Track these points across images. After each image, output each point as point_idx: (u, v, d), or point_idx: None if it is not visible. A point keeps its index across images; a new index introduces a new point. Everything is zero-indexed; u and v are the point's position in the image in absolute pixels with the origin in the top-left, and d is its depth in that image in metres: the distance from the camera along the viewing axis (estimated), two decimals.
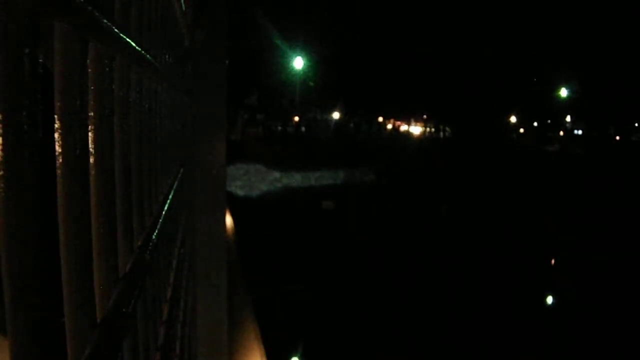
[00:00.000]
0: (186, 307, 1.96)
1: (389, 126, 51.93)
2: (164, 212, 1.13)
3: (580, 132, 53.43)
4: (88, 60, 0.51)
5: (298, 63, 31.66)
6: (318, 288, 10.72)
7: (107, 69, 0.57)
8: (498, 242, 15.99)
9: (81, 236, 0.47)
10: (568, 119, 52.67)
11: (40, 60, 0.35)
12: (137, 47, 0.77)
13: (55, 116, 0.43)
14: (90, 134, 0.53)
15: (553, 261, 15.43)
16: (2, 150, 0.32)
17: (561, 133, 52.66)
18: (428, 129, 52.90)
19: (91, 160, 0.53)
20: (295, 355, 8.68)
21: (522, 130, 53.13)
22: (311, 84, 33.11)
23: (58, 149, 0.44)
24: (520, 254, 14.68)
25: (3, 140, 0.32)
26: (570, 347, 8.64)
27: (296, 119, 41.54)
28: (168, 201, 1.28)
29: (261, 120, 38.48)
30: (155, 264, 0.99)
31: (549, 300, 11.68)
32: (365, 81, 34.68)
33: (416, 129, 52.44)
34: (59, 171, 0.44)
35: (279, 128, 39.67)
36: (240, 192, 20.93)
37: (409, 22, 35.18)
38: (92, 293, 0.51)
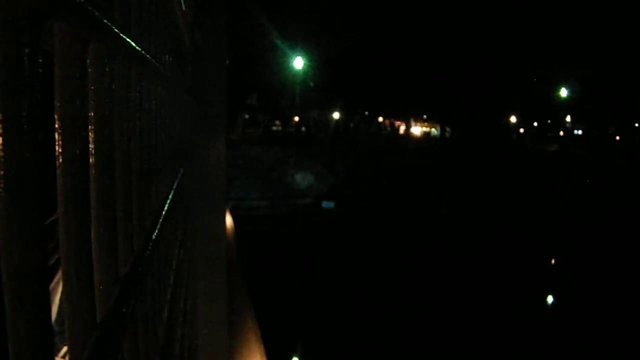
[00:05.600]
0: (186, 307, 1.96)
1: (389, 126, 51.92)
2: (164, 212, 1.13)
3: (580, 132, 53.40)
4: (88, 60, 0.51)
5: (298, 63, 31.63)
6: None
7: (107, 69, 0.57)
8: (497, 241, 15.97)
9: (81, 236, 0.47)
10: (568, 119, 52.63)
11: (40, 61, 0.35)
12: (137, 47, 0.77)
13: (55, 116, 0.43)
14: (90, 134, 0.53)
15: (553, 261, 15.41)
16: (2, 150, 0.32)
17: (561, 133, 52.62)
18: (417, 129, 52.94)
19: (91, 160, 0.53)
20: (295, 356, 8.68)
21: (522, 130, 53.10)
22: (311, 84, 33.07)
23: (58, 149, 0.43)
24: (519, 253, 14.66)
25: (3, 140, 0.32)
26: (570, 347, 8.63)
27: (296, 119, 41.49)
28: (168, 201, 1.28)
29: (261, 120, 38.43)
30: (155, 264, 0.99)
31: (549, 299, 11.66)
32: (365, 81, 34.63)
33: (415, 130, 52.46)
34: (59, 171, 0.44)
35: (279, 128, 39.66)
36: None
37: (409, 22, 35.16)
38: (92, 293, 0.50)
